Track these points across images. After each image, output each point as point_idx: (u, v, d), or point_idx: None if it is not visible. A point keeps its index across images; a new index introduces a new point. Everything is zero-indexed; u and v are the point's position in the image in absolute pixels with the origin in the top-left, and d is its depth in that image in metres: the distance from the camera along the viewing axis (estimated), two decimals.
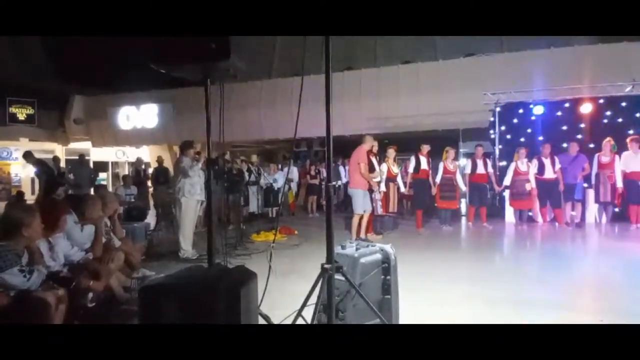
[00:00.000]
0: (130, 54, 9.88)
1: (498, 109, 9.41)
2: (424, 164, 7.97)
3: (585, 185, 8.19)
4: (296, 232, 7.71)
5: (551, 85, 9.43)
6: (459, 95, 10.65)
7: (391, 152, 7.68)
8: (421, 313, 3.37)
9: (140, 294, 2.02)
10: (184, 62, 2.27)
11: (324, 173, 10.72)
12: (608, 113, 8.63)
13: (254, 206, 9.64)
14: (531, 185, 8.09)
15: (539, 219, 8.52)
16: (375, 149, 7.09)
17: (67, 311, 2.76)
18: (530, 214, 8.61)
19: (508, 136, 9.42)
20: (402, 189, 8.18)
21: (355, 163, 6.47)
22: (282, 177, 10.31)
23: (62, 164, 12.13)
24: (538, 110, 8.99)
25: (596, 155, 7.98)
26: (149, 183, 10.78)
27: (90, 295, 3.21)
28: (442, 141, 9.17)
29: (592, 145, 8.39)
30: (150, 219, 7.88)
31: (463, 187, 8.30)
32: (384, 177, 7.31)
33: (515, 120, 9.37)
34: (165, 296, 1.92)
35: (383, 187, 7.24)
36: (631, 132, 8.12)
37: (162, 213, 8.91)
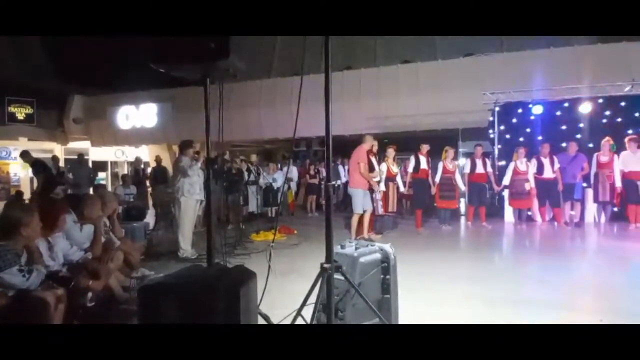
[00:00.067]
0: (130, 53, 9.87)
1: (497, 109, 9.42)
2: (424, 164, 7.98)
3: (585, 184, 8.20)
4: (295, 231, 7.71)
5: (550, 85, 9.44)
6: (459, 94, 10.65)
7: (391, 152, 7.68)
8: (420, 313, 3.37)
9: (139, 293, 2.02)
10: (183, 61, 2.26)
11: (324, 172, 10.72)
12: (607, 113, 8.64)
13: (253, 206, 9.64)
14: (530, 185, 8.09)
15: (538, 218, 8.53)
16: (375, 149, 7.09)
17: (67, 311, 2.76)
18: (529, 213, 8.61)
19: (507, 136, 9.43)
20: (402, 189, 8.18)
21: (355, 163, 6.47)
22: (282, 177, 10.31)
23: (61, 164, 12.10)
24: (537, 110, 9.00)
25: (595, 155, 7.98)
26: (148, 182, 10.78)
27: (90, 294, 3.21)
28: (441, 141, 9.17)
29: (591, 145, 8.39)
30: (150, 218, 7.88)
31: (462, 187, 8.31)
32: (384, 176, 7.31)
33: (514, 120, 9.38)
34: (164, 296, 1.92)
35: (382, 187, 7.24)
36: (630, 131, 8.13)
37: (161, 212, 8.90)
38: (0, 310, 2.46)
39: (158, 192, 9.81)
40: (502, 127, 9.48)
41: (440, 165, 8.12)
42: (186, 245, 5.79)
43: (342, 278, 2.38)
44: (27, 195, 11.50)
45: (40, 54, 17.21)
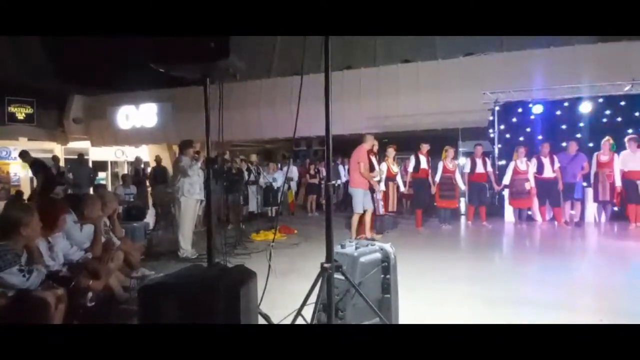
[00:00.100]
0: (130, 53, 9.87)
1: (497, 108, 9.42)
2: (424, 163, 7.98)
3: (585, 184, 8.20)
4: (296, 231, 7.71)
5: (550, 84, 9.44)
6: (459, 94, 10.65)
7: (391, 152, 7.68)
8: (421, 312, 3.37)
9: (139, 293, 2.02)
10: (183, 61, 2.26)
11: (324, 172, 10.72)
12: (607, 112, 8.64)
13: (253, 205, 9.64)
14: (530, 185, 8.09)
15: (538, 218, 8.53)
16: (375, 148, 7.09)
17: (67, 311, 2.76)
18: (529, 213, 8.61)
19: (507, 135, 9.43)
20: (402, 188, 8.19)
21: (355, 162, 6.47)
22: (282, 177, 10.31)
23: (62, 164, 12.10)
24: (537, 109, 9.00)
25: (595, 155, 7.98)
26: (148, 182, 10.78)
27: (90, 294, 3.21)
28: (441, 140, 9.17)
29: (591, 145, 8.39)
30: (150, 218, 7.88)
31: (462, 186, 8.31)
32: (384, 176, 7.31)
33: (514, 120, 9.38)
34: (164, 296, 1.92)
35: (383, 187, 7.24)
36: (630, 131, 8.13)
37: (161, 212, 8.91)
38: (0, 310, 2.46)
39: (158, 192, 9.81)
40: (502, 127, 9.48)
41: (440, 165, 8.13)
42: (186, 245, 5.79)
43: (343, 278, 2.38)
44: (27, 195, 11.50)
45: (40, 54, 17.20)
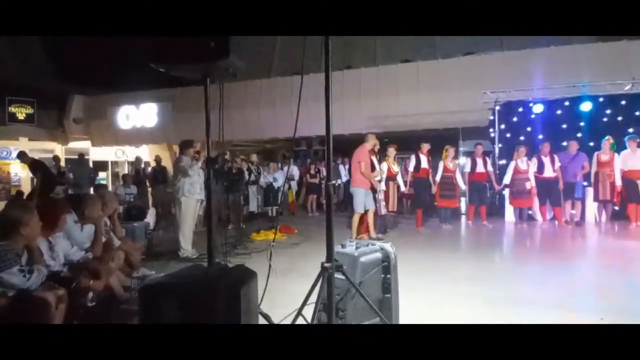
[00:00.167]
0: (130, 53, 9.88)
1: (498, 108, 9.41)
2: (424, 163, 7.98)
3: (585, 183, 8.19)
4: (296, 231, 7.72)
5: (551, 83, 9.42)
6: (459, 94, 10.64)
7: (391, 151, 7.69)
8: (421, 312, 3.37)
9: (140, 293, 2.02)
10: (183, 61, 2.27)
11: (324, 172, 10.72)
12: (608, 111, 8.64)
13: (253, 205, 9.64)
14: (531, 184, 8.09)
15: (539, 217, 8.53)
16: (376, 148, 7.09)
17: (67, 311, 2.76)
18: (530, 212, 8.61)
19: (508, 135, 9.42)
20: (402, 188, 8.18)
21: (356, 162, 6.46)
22: (282, 176, 10.31)
23: (62, 164, 12.11)
24: (538, 108, 9.00)
25: (595, 154, 7.97)
26: (148, 182, 10.78)
27: (90, 294, 3.21)
28: (442, 140, 9.17)
29: (591, 144, 8.39)
30: (150, 218, 7.89)
31: (463, 186, 8.31)
32: (384, 176, 7.31)
33: (515, 119, 9.37)
34: (165, 295, 1.92)
35: (383, 186, 7.24)
36: (631, 130, 8.13)
37: (161, 212, 8.91)
38: (0, 311, 2.46)
39: (158, 192, 9.82)
40: (502, 126, 9.47)
41: (440, 165, 8.12)
42: (187, 245, 5.79)
43: (343, 277, 2.38)
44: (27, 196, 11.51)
45: (40, 54, 17.21)
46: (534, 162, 8.16)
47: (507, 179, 8.38)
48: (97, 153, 17.26)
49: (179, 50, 2.21)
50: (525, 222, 8.41)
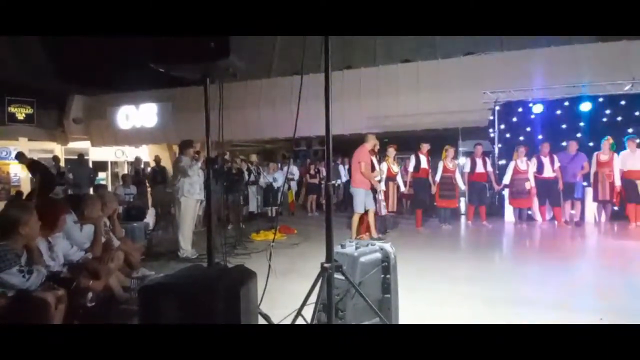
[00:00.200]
0: (130, 53, 9.88)
1: (497, 108, 9.42)
2: (424, 163, 7.98)
3: (585, 184, 8.20)
4: (296, 231, 7.71)
5: (550, 83, 9.43)
6: (459, 94, 10.65)
7: (391, 151, 7.69)
8: (421, 312, 3.37)
9: (139, 293, 2.02)
10: (183, 61, 2.26)
11: (324, 172, 10.72)
12: (607, 111, 8.64)
13: (253, 205, 9.64)
14: (530, 184, 8.09)
15: (538, 217, 8.53)
16: (377, 148, 7.09)
17: (67, 311, 2.76)
18: (529, 212, 8.61)
19: (507, 135, 9.43)
20: (402, 188, 8.18)
21: (356, 162, 6.46)
22: (282, 176, 10.31)
23: (62, 164, 12.11)
24: (537, 108, 9.00)
25: (595, 154, 7.98)
26: (147, 182, 10.78)
27: (90, 294, 3.21)
28: (441, 140, 9.17)
29: (591, 144, 8.39)
30: (150, 218, 7.88)
31: (462, 186, 8.31)
32: (384, 176, 7.31)
33: (514, 119, 9.38)
34: (164, 296, 1.92)
35: (383, 186, 7.24)
36: (630, 130, 8.13)
37: (161, 212, 8.91)
38: (0, 311, 2.46)
39: (157, 192, 9.82)
40: (502, 126, 9.48)
41: (440, 165, 8.12)
42: (186, 245, 5.79)
43: (343, 278, 2.38)
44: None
45: (40, 54, 17.20)
46: (534, 162, 8.16)
47: (506, 179, 8.38)
48: (96, 153, 17.25)
49: (178, 50, 2.21)
50: (524, 222, 8.41)
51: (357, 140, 6.78)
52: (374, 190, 6.66)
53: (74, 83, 16.33)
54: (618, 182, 7.66)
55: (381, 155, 7.78)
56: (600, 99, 8.65)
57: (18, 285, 2.55)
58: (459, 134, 12.05)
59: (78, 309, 3.05)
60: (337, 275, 2.32)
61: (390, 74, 12.16)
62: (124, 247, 4.11)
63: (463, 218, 9.19)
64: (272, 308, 2.68)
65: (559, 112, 8.95)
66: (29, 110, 15.72)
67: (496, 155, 9.45)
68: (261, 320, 2.41)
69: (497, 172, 8.88)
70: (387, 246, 2.81)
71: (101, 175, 16.56)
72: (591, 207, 8.30)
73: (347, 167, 11.46)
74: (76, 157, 11.14)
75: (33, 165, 8.84)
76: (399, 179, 7.88)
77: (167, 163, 12.24)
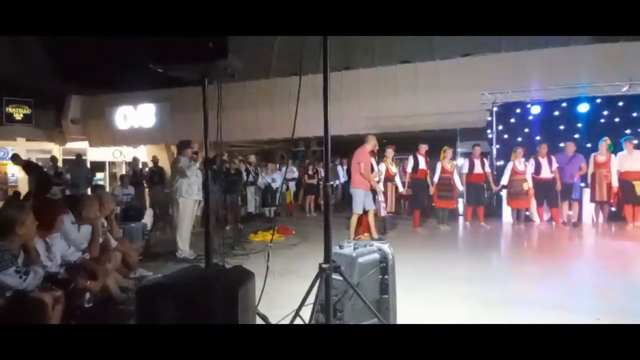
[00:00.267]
0: (128, 53, 9.87)
1: (495, 109, 9.44)
2: (422, 164, 7.99)
3: (583, 184, 8.22)
4: (294, 232, 7.71)
5: (548, 85, 9.46)
6: (457, 95, 10.66)
7: (389, 152, 7.69)
8: (419, 313, 3.38)
9: (137, 294, 2.01)
10: (181, 61, 2.26)
11: (322, 173, 10.71)
12: (605, 113, 8.67)
13: (251, 206, 9.63)
14: (528, 185, 8.11)
15: (536, 218, 8.55)
16: (375, 149, 7.10)
17: (64, 311, 2.75)
18: (527, 213, 8.63)
19: (505, 136, 9.45)
20: (400, 189, 8.19)
21: (355, 163, 6.46)
22: (280, 177, 10.31)
23: (59, 164, 12.08)
24: (535, 110, 9.03)
25: (592, 155, 8.00)
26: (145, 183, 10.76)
27: (87, 295, 3.20)
28: (440, 141, 9.18)
29: (589, 145, 8.42)
30: (147, 219, 7.87)
31: (460, 187, 8.32)
32: (382, 177, 7.31)
33: (512, 120, 9.40)
34: (162, 296, 1.91)
35: (381, 187, 7.25)
36: (628, 131, 8.16)
37: (159, 213, 8.90)
38: None
39: (155, 193, 9.80)
40: (500, 127, 9.50)
41: (438, 165, 8.13)
42: (184, 246, 5.78)
43: (341, 278, 2.38)
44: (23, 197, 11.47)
45: (38, 54, 17.15)
46: (532, 163, 8.18)
47: (504, 180, 8.40)
48: (94, 153, 17.22)
49: (177, 51, 2.21)
50: (522, 223, 8.42)
51: (355, 141, 6.79)
52: (374, 192, 6.66)
53: (72, 83, 16.29)
54: (615, 183, 7.68)
55: (379, 156, 7.78)
56: (598, 100, 8.68)
57: (15, 286, 2.54)
58: (457, 134, 12.07)
59: (75, 310, 3.05)
60: (335, 276, 2.32)
61: (388, 74, 12.17)
62: (122, 248, 4.11)
63: (461, 219, 9.21)
64: (270, 309, 2.68)
65: (556, 113, 8.97)
66: (27, 111, 15.68)
67: (494, 156, 9.47)
68: (259, 321, 2.40)
69: (495, 173, 8.90)
70: (385, 247, 2.81)
71: (99, 175, 16.54)
72: (589, 208, 8.32)
73: (345, 167, 11.48)
74: (74, 157, 11.13)
75: (28, 167, 8.82)
76: (397, 179, 7.88)
77: (165, 163, 12.23)
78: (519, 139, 9.11)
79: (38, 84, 15.78)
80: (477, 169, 8.27)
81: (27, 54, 16.75)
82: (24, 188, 14.22)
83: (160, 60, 2.27)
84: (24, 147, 15.33)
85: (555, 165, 8.00)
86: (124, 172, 15.03)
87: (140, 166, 12.00)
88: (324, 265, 2.22)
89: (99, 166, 17.12)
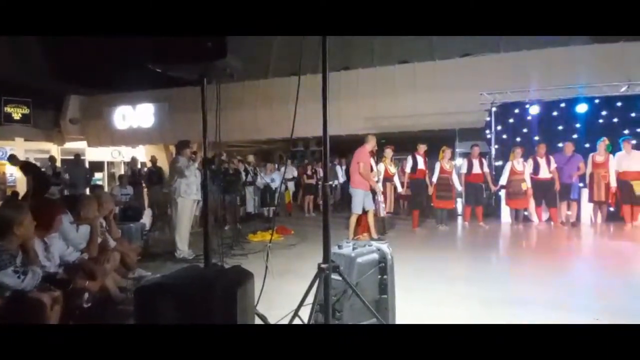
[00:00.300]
0: (127, 53, 9.84)
1: (494, 109, 9.45)
2: (421, 164, 7.99)
3: (581, 184, 8.23)
4: (293, 232, 7.71)
5: (547, 85, 9.47)
6: (456, 95, 10.67)
7: (388, 152, 7.70)
8: (418, 313, 3.38)
9: (136, 294, 2.01)
10: (180, 61, 2.26)
11: (321, 173, 10.70)
12: (603, 113, 8.68)
13: (250, 206, 9.63)
14: (527, 185, 8.12)
15: (535, 218, 8.56)
16: (374, 149, 7.10)
17: (63, 312, 2.75)
18: (526, 213, 8.64)
19: (504, 136, 9.46)
20: (399, 189, 8.19)
21: (355, 163, 6.46)
22: (279, 177, 10.31)
23: (58, 164, 12.07)
24: (534, 110, 9.04)
25: (590, 155, 8.01)
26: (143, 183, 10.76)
27: (86, 295, 3.19)
28: (438, 141, 9.19)
29: (587, 145, 8.43)
30: (146, 219, 7.86)
31: (459, 187, 8.32)
32: (381, 177, 7.31)
33: (511, 120, 9.41)
34: (161, 296, 1.91)
35: (380, 187, 7.25)
36: (626, 132, 8.18)
37: (157, 213, 8.89)
38: None
39: (154, 193, 9.80)
40: (499, 127, 9.50)
41: (437, 166, 8.13)
42: (183, 246, 5.78)
43: (340, 278, 2.38)
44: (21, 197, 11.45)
45: (36, 54, 17.13)
46: (530, 163, 8.19)
47: (503, 180, 8.41)
48: (93, 153, 17.19)
49: (176, 51, 2.20)
50: (521, 223, 8.44)
51: (354, 141, 6.80)
52: (373, 192, 6.65)
53: (71, 83, 16.28)
54: (613, 183, 7.69)
55: (378, 156, 7.79)
56: (597, 101, 8.69)
57: (13, 286, 2.53)
58: (456, 135, 12.08)
59: (74, 310, 3.04)
60: (334, 276, 2.32)
61: (387, 74, 12.18)
62: (120, 248, 4.10)
63: (460, 219, 9.21)
64: (269, 309, 2.68)
65: (555, 113, 8.98)
66: (25, 111, 15.65)
67: (493, 156, 9.48)
68: (258, 321, 2.40)
69: (494, 173, 8.90)
70: (384, 247, 2.81)
71: (97, 175, 16.51)
72: (587, 208, 8.34)
73: (344, 167, 11.48)
74: (72, 157, 11.11)
75: (25, 167, 8.81)
76: (396, 179, 7.88)
77: (163, 163, 12.22)
78: (518, 139, 9.12)
79: (36, 83, 15.75)
80: (476, 169, 8.28)
81: (25, 54, 16.73)
82: (22, 188, 14.23)
83: (159, 60, 2.27)
84: (22, 147, 15.30)
85: (553, 165, 8.01)
86: (122, 172, 15.01)
87: (139, 166, 12.00)
88: (322, 265, 2.21)
89: (97, 166, 17.10)
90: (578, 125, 8.79)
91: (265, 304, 2.63)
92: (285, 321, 2.46)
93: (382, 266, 2.73)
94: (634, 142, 7.73)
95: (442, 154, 8.18)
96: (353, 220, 6.50)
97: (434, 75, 11.46)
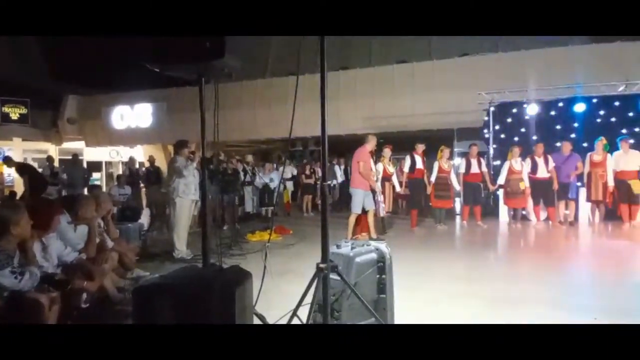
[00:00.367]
0: (125, 53, 9.82)
1: (492, 109, 9.46)
2: (419, 164, 7.99)
3: (579, 184, 8.25)
4: (291, 231, 7.71)
5: (545, 84, 9.49)
6: (454, 94, 10.69)
7: (387, 152, 7.70)
8: (416, 312, 3.38)
9: (134, 294, 2.01)
10: (178, 61, 2.25)
11: (319, 172, 10.71)
12: (601, 112, 8.70)
13: (249, 206, 9.62)
14: (525, 184, 8.13)
15: (533, 217, 8.57)
16: (373, 149, 7.10)
17: (61, 312, 2.74)
18: (524, 212, 8.65)
19: (502, 135, 9.47)
20: (398, 189, 8.19)
21: (355, 162, 6.46)
22: (278, 177, 10.31)
23: (56, 164, 12.04)
24: (532, 109, 9.06)
25: (588, 155, 8.03)
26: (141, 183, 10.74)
27: (84, 295, 3.19)
28: (437, 140, 9.20)
29: (585, 144, 8.45)
30: (144, 219, 7.86)
31: (457, 187, 8.33)
32: (380, 176, 7.31)
33: (509, 120, 9.43)
34: (159, 296, 1.91)
35: (379, 187, 7.25)
36: (624, 131, 8.20)
37: (156, 213, 8.88)
38: None
39: (152, 193, 9.78)
40: (497, 127, 9.52)
41: (435, 165, 8.14)
42: (181, 246, 5.77)
43: (338, 278, 2.38)
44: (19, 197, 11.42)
45: (34, 54, 17.10)
46: (528, 163, 8.20)
47: (501, 180, 8.42)
48: (91, 153, 17.17)
49: (174, 51, 2.20)
50: (519, 222, 8.45)
51: (353, 141, 6.81)
52: (373, 191, 6.65)
53: (69, 83, 16.26)
54: (611, 183, 7.71)
55: (377, 155, 7.79)
56: (594, 100, 8.71)
57: (10, 287, 2.53)
58: (454, 134, 12.09)
59: (72, 310, 3.04)
60: (333, 276, 2.32)
61: (386, 74, 12.19)
62: (118, 248, 4.09)
63: (458, 218, 9.22)
64: (267, 309, 2.68)
65: (553, 113, 9.01)
66: (23, 110, 15.61)
67: (491, 155, 9.49)
68: (256, 321, 2.40)
69: (492, 172, 8.92)
70: (383, 246, 2.81)
71: (95, 175, 16.48)
72: (585, 207, 8.36)
73: (342, 167, 11.49)
74: (70, 157, 11.08)
75: (22, 169, 8.80)
76: (394, 179, 7.89)
77: (161, 163, 12.20)
78: (516, 139, 9.13)
79: (34, 83, 15.73)
80: (474, 169, 8.28)
81: (23, 54, 16.70)
82: (20, 188, 14.19)
83: (157, 60, 2.27)
84: (20, 147, 15.29)
85: (551, 164, 8.02)
86: (120, 172, 14.98)
87: (137, 166, 11.98)
88: (321, 265, 2.21)
89: (95, 166, 17.07)
90: (576, 125, 8.81)
91: (264, 303, 2.63)
92: (284, 321, 2.46)
93: (381, 266, 2.73)
94: (631, 141, 7.75)
95: (440, 153, 8.19)
96: (352, 219, 6.50)
97: (433, 75, 11.47)
